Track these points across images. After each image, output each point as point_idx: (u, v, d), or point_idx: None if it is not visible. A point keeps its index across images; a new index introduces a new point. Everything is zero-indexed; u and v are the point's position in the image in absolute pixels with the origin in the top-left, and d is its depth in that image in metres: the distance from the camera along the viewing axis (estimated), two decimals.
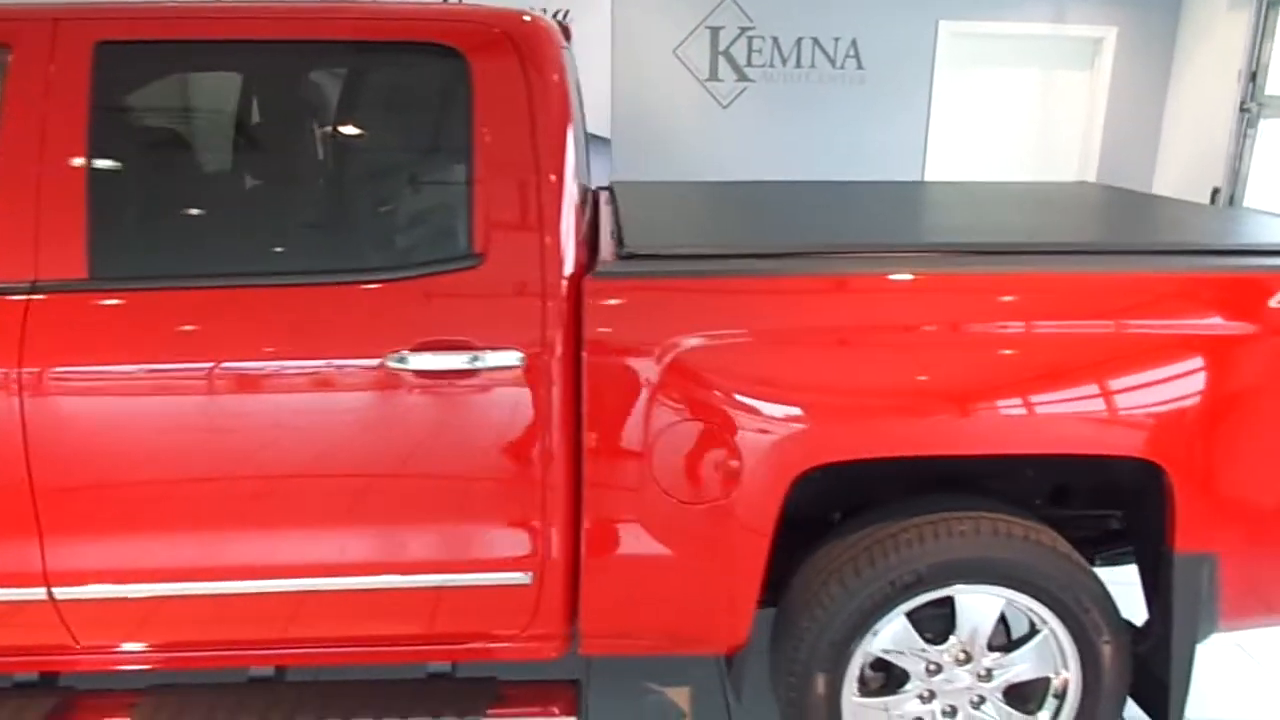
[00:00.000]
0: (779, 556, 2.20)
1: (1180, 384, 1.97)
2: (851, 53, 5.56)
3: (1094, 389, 1.96)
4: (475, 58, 1.94)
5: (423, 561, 2.00)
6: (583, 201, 2.22)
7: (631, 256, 2.05)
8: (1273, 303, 1.98)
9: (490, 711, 2.08)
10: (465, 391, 1.92)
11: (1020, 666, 2.14)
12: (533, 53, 1.96)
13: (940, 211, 2.82)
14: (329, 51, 1.97)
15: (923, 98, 5.59)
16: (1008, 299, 1.98)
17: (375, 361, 1.90)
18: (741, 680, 2.16)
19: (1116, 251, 2.15)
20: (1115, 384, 1.96)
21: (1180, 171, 5.32)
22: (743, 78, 5.57)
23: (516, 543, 2.00)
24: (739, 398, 1.93)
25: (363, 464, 1.95)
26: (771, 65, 5.56)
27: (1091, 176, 5.73)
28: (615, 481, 1.97)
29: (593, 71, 5.48)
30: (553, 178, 1.94)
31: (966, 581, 2.06)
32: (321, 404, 1.92)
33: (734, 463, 1.94)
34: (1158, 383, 1.97)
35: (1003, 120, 5.71)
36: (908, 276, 1.97)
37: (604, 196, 3.16)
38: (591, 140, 5.68)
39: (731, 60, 5.55)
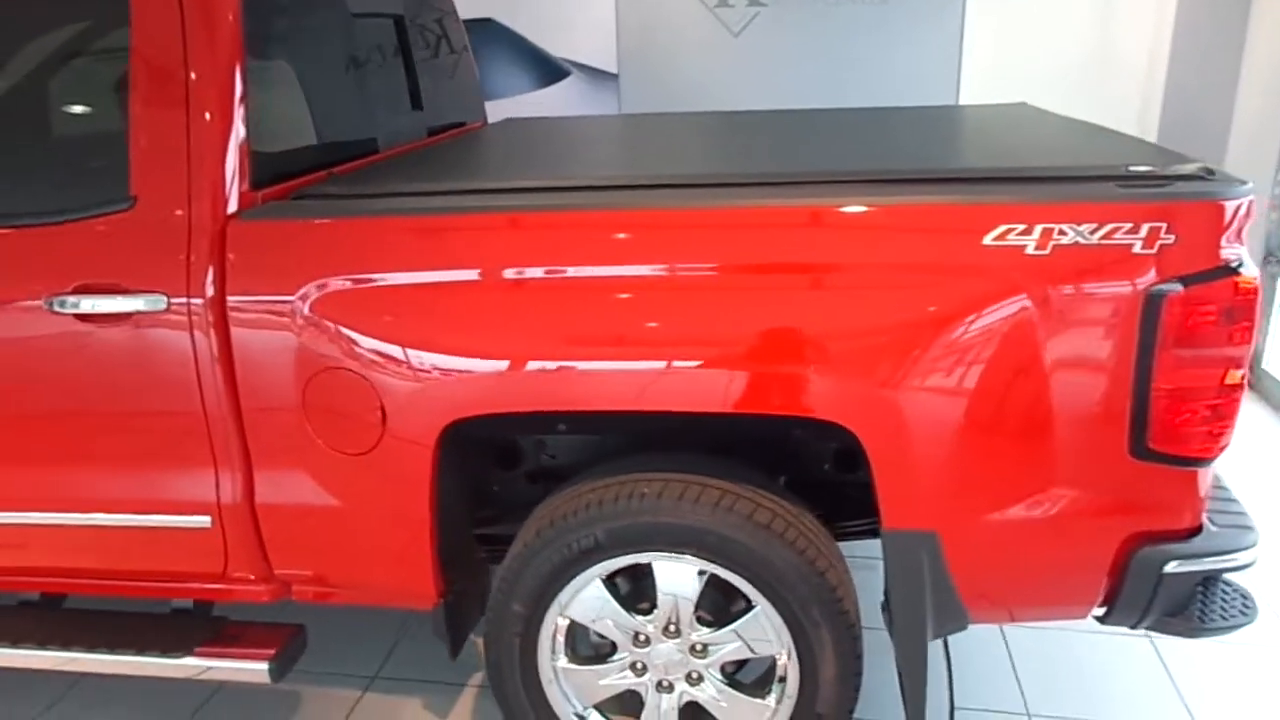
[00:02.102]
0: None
1: (870, 333, 1.69)
2: None
3: (753, 339, 1.72)
4: None
5: (111, 500, 2.04)
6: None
7: (302, 197, 1.98)
8: (988, 240, 1.66)
9: (198, 649, 2.12)
10: (123, 335, 1.91)
11: (733, 645, 1.95)
12: None
13: (800, 142, 2.53)
14: None
15: (955, 15, 5.02)
16: (649, 237, 1.76)
17: (38, 303, 1.93)
18: (446, 637, 2.08)
19: (850, 180, 1.86)
20: (782, 332, 1.71)
21: (1262, 100, 4.49)
22: (755, 2, 5.20)
23: (193, 486, 1.99)
24: (373, 346, 1.83)
25: (35, 406, 2.00)
26: None
27: (1155, 108, 4.97)
28: (274, 429, 1.93)
29: (596, 3, 5.29)
30: (208, 115, 1.87)
31: (652, 549, 1.88)
32: None
33: (376, 412, 1.85)
34: (839, 331, 1.70)
35: (1049, 40, 5.02)
36: (539, 212, 1.79)
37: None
38: (595, 75, 5.52)
39: None
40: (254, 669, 2.06)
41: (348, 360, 1.84)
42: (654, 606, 1.96)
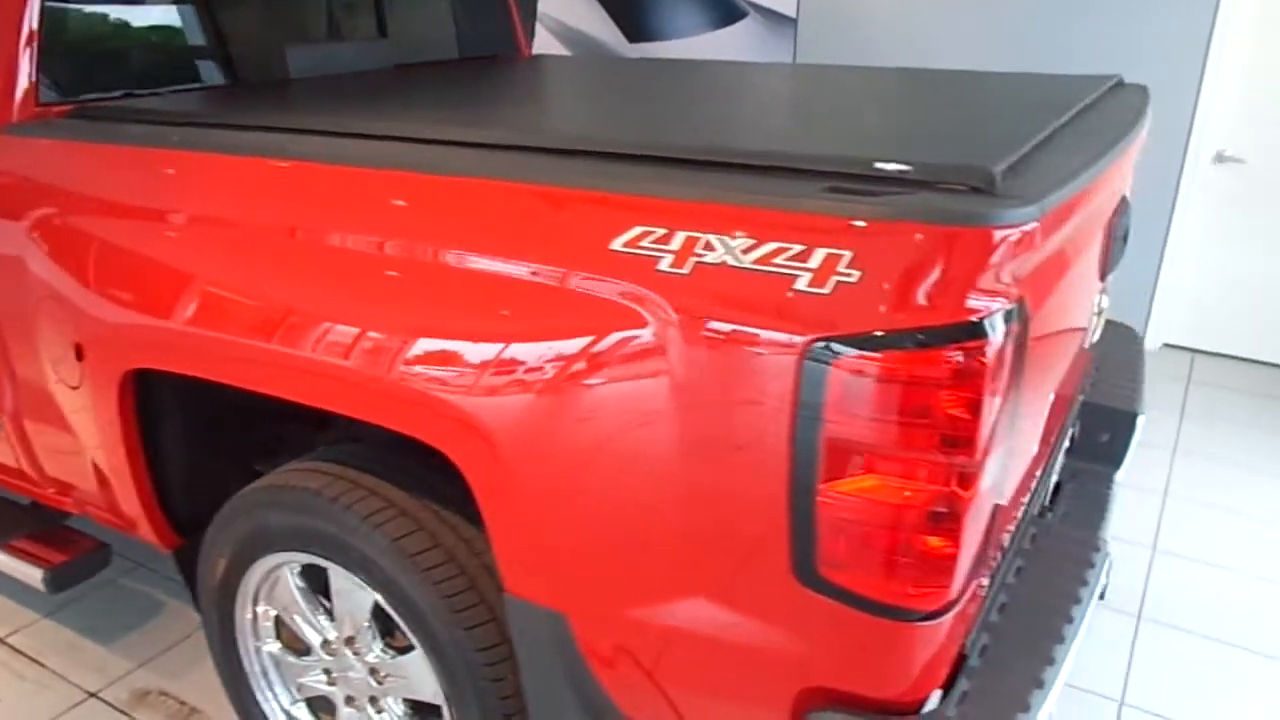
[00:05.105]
0: None
1: (455, 339, 1.31)
2: None
3: (353, 328, 1.39)
4: None
5: None
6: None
7: (77, 116, 1.90)
8: (616, 245, 1.20)
9: (12, 543, 2.19)
10: None
11: (406, 680, 1.66)
12: None
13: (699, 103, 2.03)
14: None
15: None
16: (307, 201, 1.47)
17: None
18: (186, 585, 1.98)
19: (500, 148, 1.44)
20: (382, 327, 1.37)
21: None
22: None
23: None
24: (69, 282, 1.72)
25: None
26: None
27: None
28: (26, 349, 1.90)
29: None
30: None
31: (314, 554, 1.64)
32: None
33: (74, 349, 1.75)
34: (445, 336, 1.32)
35: None
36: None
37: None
38: (772, 18, 4.95)
39: None
40: (29, 573, 2.10)
41: (55, 293, 1.76)
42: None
